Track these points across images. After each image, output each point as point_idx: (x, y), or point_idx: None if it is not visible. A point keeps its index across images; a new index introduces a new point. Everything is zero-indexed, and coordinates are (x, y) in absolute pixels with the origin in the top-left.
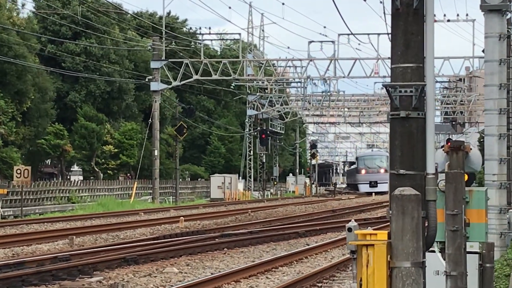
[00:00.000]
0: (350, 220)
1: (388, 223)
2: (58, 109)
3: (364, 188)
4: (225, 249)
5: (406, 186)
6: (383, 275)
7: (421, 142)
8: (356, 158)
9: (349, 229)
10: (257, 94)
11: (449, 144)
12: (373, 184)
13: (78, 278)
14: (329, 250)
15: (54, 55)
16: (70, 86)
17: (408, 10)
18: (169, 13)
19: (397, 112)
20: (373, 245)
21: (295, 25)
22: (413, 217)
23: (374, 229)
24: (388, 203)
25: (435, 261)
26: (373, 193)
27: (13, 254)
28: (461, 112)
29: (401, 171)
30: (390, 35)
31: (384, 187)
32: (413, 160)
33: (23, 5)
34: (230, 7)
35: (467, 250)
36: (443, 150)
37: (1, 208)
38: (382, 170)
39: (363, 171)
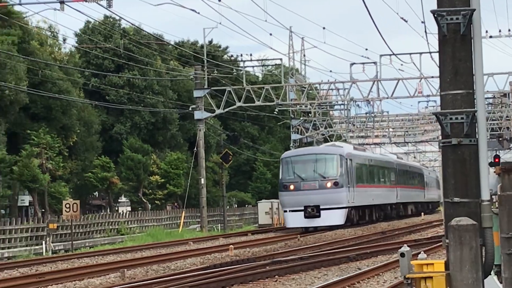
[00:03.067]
0: (401, 242)
1: (439, 243)
2: (103, 142)
3: (294, 219)
4: (276, 276)
5: (461, 214)
6: None
7: (474, 169)
8: (281, 161)
9: (402, 254)
10: (301, 118)
11: (498, 162)
12: (312, 211)
13: None
14: (381, 273)
15: (98, 89)
16: (115, 119)
17: (455, 36)
18: (210, 42)
19: (448, 140)
20: (431, 277)
21: (336, 48)
22: (471, 247)
23: (426, 251)
24: (438, 223)
25: (491, 285)
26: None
27: None
28: (507, 128)
29: (456, 199)
30: (431, 54)
31: (333, 216)
32: (467, 188)
33: (64, 40)
34: (271, 34)
35: None
36: (494, 172)
37: (52, 243)
38: (329, 184)
39: (291, 187)
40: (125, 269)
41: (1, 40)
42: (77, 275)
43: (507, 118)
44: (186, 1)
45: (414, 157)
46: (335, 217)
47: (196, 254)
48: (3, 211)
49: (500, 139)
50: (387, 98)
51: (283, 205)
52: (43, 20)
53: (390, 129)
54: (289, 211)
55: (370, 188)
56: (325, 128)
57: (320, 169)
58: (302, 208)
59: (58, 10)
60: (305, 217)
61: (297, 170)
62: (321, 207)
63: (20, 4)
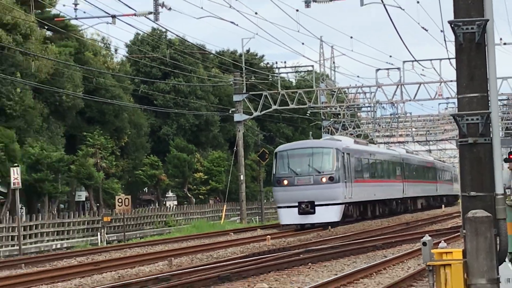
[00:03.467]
0: (423, 232)
1: (458, 233)
2: (152, 142)
3: (288, 216)
4: (310, 264)
5: (477, 207)
6: None
7: (489, 165)
8: (275, 155)
9: (424, 244)
10: (331, 119)
11: None
12: (306, 207)
13: None
14: (405, 261)
15: (146, 94)
16: (162, 121)
17: (470, 45)
18: (248, 51)
19: (465, 139)
20: (450, 264)
21: (362, 55)
22: (486, 237)
23: (446, 241)
24: (457, 214)
25: (506, 271)
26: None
27: (119, 276)
28: None
29: (472, 193)
30: (449, 60)
31: (328, 212)
32: (482, 183)
33: (116, 50)
34: (303, 43)
35: None
36: (508, 167)
37: (106, 234)
38: (324, 179)
39: (285, 182)
40: (172, 258)
41: (59, 51)
42: (129, 263)
43: None
44: (226, 13)
45: (430, 153)
46: (331, 214)
47: (237, 244)
48: (62, 206)
49: None
50: (410, 100)
51: (276, 201)
52: (96, 33)
53: (413, 129)
54: (283, 207)
55: (372, 182)
56: (353, 128)
57: (315, 164)
58: (296, 204)
59: (110, 23)
60: (299, 213)
61: (291, 165)
62: (316, 203)
63: (76, 18)
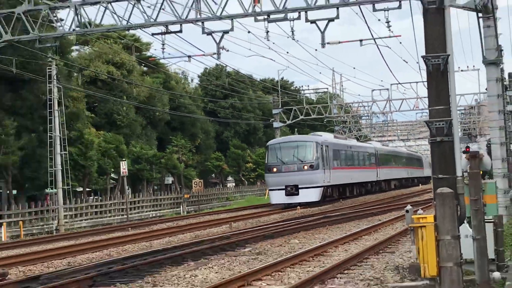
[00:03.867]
0: (406, 203)
1: (431, 203)
2: (217, 143)
3: (277, 196)
4: (327, 226)
5: (444, 185)
6: (432, 245)
7: (451, 156)
8: (266, 148)
9: (407, 211)
10: (341, 125)
11: (468, 151)
12: (291, 190)
13: (235, 249)
14: (393, 223)
15: (213, 110)
16: (224, 128)
17: (437, 72)
18: (282, 78)
19: (434, 138)
20: (425, 226)
21: (362, 80)
22: (450, 207)
23: (422, 209)
24: (430, 190)
25: (465, 230)
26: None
27: (195, 236)
28: (474, 128)
29: (440, 176)
30: (423, 83)
31: (310, 194)
32: (447, 168)
33: (192, 80)
34: (320, 72)
35: (486, 220)
36: (465, 157)
37: (186, 206)
38: (306, 167)
39: (274, 169)
40: (232, 222)
41: (152, 81)
42: (202, 226)
43: (473, 122)
44: (267, 53)
45: (409, 148)
46: (312, 195)
47: (277, 213)
48: (155, 187)
49: (470, 135)
50: (396, 111)
51: (268, 185)
52: (178, 68)
53: (398, 131)
54: (273, 190)
55: (348, 169)
56: (356, 131)
57: (298, 154)
58: (284, 187)
59: (187, 61)
60: (286, 195)
61: (280, 155)
62: (299, 186)
63: (164, 58)
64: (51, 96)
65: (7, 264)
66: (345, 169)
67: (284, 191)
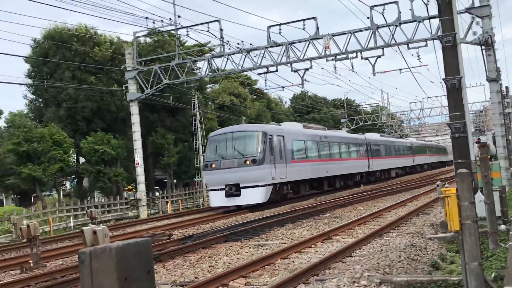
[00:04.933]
0: (436, 179)
1: (454, 179)
2: None
3: (216, 198)
4: (382, 197)
5: (462, 167)
6: (455, 210)
7: (466, 146)
8: (207, 140)
9: (437, 185)
10: (388, 128)
11: (479, 142)
12: (231, 190)
13: (319, 214)
14: (428, 194)
15: (295, 120)
16: None
17: (454, 89)
18: (346, 97)
19: (454, 134)
20: (450, 196)
21: (402, 96)
22: (467, 182)
23: (448, 184)
24: (453, 170)
25: (479, 197)
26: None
27: (292, 207)
28: (483, 126)
29: (459, 160)
30: (446, 96)
31: (253, 194)
32: (463, 155)
33: (285, 102)
34: (373, 92)
35: (493, 190)
36: (477, 146)
37: None
38: (248, 161)
39: (212, 165)
40: (316, 196)
41: (259, 104)
42: (298, 200)
43: (482, 121)
44: (335, 81)
45: (438, 142)
46: (256, 195)
47: (347, 189)
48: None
49: (480, 130)
50: (427, 116)
51: (207, 184)
52: (276, 95)
53: (430, 130)
54: (212, 190)
55: (318, 162)
56: (400, 131)
57: (239, 147)
58: (223, 187)
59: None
60: (226, 196)
61: (218, 149)
62: (241, 185)
63: (266, 89)
64: (195, 118)
65: (171, 228)
66: (312, 162)
67: (224, 192)
